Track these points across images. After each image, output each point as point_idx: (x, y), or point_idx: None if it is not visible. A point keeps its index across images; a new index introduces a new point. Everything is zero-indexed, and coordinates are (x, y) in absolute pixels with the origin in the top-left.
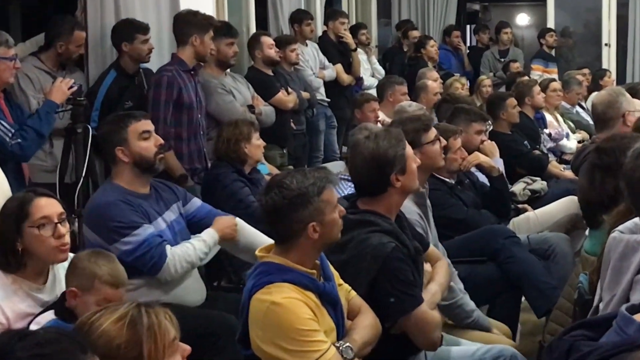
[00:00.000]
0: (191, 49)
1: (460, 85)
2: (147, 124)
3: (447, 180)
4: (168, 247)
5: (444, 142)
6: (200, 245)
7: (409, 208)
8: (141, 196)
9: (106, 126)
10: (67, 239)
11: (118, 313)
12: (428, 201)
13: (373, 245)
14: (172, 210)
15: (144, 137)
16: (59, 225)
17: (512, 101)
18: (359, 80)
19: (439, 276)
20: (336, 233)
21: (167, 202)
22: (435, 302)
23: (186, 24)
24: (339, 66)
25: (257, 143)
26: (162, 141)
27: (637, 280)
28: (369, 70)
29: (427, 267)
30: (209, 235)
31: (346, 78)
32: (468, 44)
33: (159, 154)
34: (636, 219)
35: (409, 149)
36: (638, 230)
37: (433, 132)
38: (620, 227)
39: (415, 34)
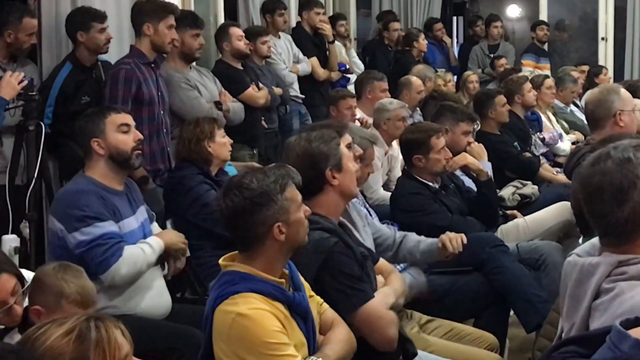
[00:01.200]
0: (147, 39)
1: (443, 82)
2: (127, 118)
3: (430, 184)
4: (126, 247)
5: (358, 150)
6: (149, 252)
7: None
8: (114, 192)
9: (84, 118)
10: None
11: (65, 327)
12: (354, 211)
13: (314, 240)
14: (141, 212)
15: (122, 130)
16: (14, 306)
17: (501, 99)
18: (345, 71)
19: (393, 283)
20: (303, 234)
21: (138, 201)
22: (388, 303)
23: (139, 12)
24: (314, 60)
25: (221, 141)
26: (140, 136)
27: (595, 307)
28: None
29: (379, 278)
30: (157, 245)
31: (322, 73)
32: (456, 38)
33: (136, 149)
34: (594, 239)
35: (344, 149)
36: (595, 252)
37: (346, 140)
38: (577, 250)
39: (397, 25)
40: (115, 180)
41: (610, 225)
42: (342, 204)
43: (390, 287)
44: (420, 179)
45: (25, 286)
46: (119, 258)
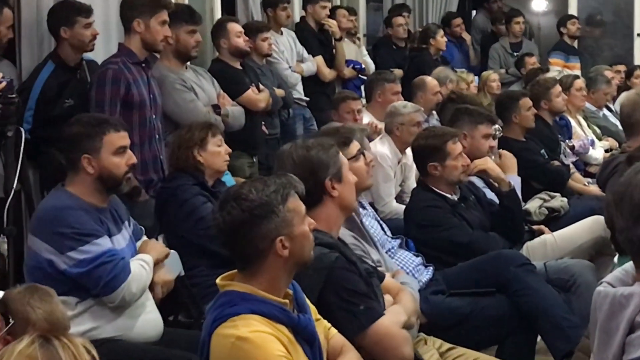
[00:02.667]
0: (137, 37)
1: (466, 84)
2: (126, 138)
3: (447, 195)
4: (131, 262)
5: (369, 157)
6: (148, 269)
7: (341, 233)
8: (99, 210)
9: (78, 126)
10: None
11: (24, 341)
12: (360, 221)
13: (314, 257)
14: (127, 228)
15: (119, 152)
16: None
17: (526, 102)
18: (361, 71)
19: (403, 301)
20: (308, 249)
21: (123, 217)
22: (400, 322)
23: (128, 6)
24: (320, 59)
25: (215, 150)
26: (134, 160)
27: (629, 342)
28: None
29: (387, 297)
30: (150, 261)
31: (328, 73)
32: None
33: (128, 173)
34: (627, 265)
35: (344, 158)
36: (629, 279)
37: (355, 147)
38: (608, 278)
39: (401, 20)
40: (99, 198)
41: (633, 243)
42: (341, 218)
43: (401, 305)
44: (437, 190)
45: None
46: (129, 275)
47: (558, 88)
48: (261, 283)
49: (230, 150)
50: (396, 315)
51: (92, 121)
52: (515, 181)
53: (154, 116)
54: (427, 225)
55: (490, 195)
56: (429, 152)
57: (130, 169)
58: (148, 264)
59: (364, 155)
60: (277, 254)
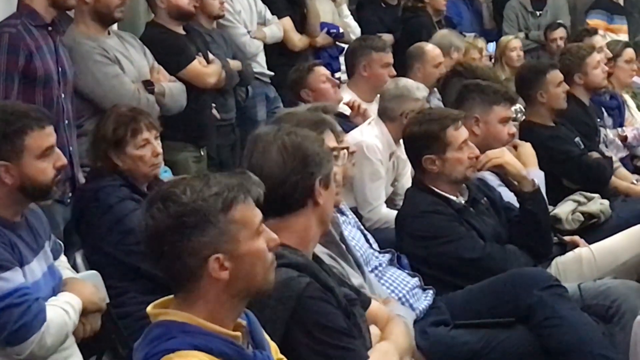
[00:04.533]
0: None
1: (478, 52)
2: (52, 136)
3: (451, 198)
4: (49, 306)
5: (344, 155)
6: (73, 316)
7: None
8: (11, 226)
9: None
10: None
11: None
12: (340, 234)
13: (277, 283)
14: (46, 252)
15: (45, 154)
16: None
17: (555, 76)
18: (337, 37)
19: (393, 335)
20: (262, 273)
21: (41, 235)
22: None
23: None
24: (288, 21)
25: (135, 154)
26: (64, 161)
27: None
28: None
29: (374, 330)
30: (78, 306)
31: (298, 40)
32: None
33: (56, 177)
34: None
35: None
36: None
37: (328, 138)
38: None
39: None
40: (13, 211)
41: None
42: (317, 234)
43: (390, 342)
44: (437, 191)
45: None
46: (43, 323)
47: (596, 57)
48: (201, 310)
49: (159, 151)
50: (384, 357)
51: (6, 116)
52: (539, 178)
53: (62, 95)
54: (424, 236)
55: (508, 196)
56: (424, 142)
57: (58, 172)
58: (74, 309)
59: (347, 152)
60: (211, 277)
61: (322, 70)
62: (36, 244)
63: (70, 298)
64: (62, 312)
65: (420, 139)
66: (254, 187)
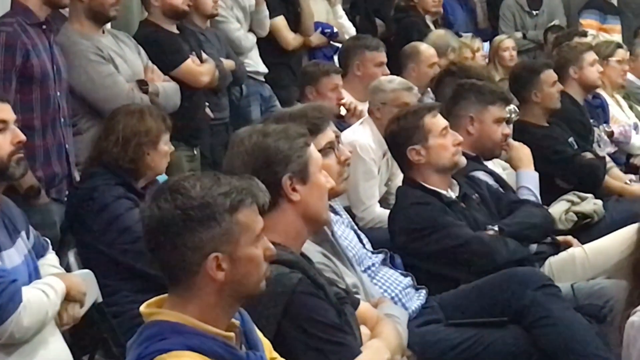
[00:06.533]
0: None
1: (472, 52)
2: (6, 111)
3: (442, 191)
4: (24, 288)
5: (345, 153)
6: (53, 297)
7: (307, 248)
8: None
9: None
10: None
11: None
12: (332, 232)
13: (269, 279)
14: (23, 240)
15: None
16: None
17: (549, 75)
18: (332, 37)
19: (384, 334)
20: (255, 279)
21: (17, 226)
22: None
23: None
24: (281, 20)
25: (165, 150)
26: (21, 137)
27: None
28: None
29: (363, 329)
30: (60, 288)
31: (292, 39)
32: None
33: (15, 153)
34: None
35: (315, 153)
36: None
37: (325, 138)
38: None
39: None
40: None
41: None
42: (305, 230)
43: (381, 339)
44: (427, 185)
45: None
46: (19, 304)
47: (592, 55)
48: (195, 310)
49: (172, 149)
50: (377, 354)
51: None
52: (533, 179)
53: (58, 94)
54: (414, 229)
55: (511, 181)
56: (404, 134)
57: (17, 149)
58: (55, 290)
59: (334, 151)
60: (208, 275)
61: (336, 80)
62: (14, 230)
63: (51, 280)
64: (40, 293)
65: (401, 133)
66: (260, 193)
